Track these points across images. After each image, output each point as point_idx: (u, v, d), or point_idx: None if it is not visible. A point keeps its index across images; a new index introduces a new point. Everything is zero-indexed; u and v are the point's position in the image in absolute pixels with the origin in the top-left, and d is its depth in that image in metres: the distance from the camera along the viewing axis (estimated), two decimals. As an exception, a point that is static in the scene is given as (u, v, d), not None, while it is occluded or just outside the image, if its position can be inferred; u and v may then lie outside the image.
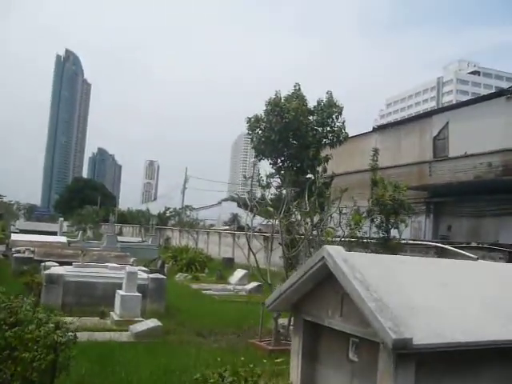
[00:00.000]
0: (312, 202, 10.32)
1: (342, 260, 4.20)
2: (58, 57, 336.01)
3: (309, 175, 24.50)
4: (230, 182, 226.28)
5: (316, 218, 11.12)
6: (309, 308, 4.83)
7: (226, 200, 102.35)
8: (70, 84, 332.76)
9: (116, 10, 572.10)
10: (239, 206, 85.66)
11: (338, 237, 10.62)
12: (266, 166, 25.81)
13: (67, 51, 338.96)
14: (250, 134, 26.50)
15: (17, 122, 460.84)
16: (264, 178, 15.94)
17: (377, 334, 3.82)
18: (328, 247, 4.37)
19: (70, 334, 4.66)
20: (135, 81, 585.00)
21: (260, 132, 25.69)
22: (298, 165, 25.48)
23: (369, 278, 4.12)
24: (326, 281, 4.54)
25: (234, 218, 72.65)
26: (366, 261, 4.62)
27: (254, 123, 25.94)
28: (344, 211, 11.21)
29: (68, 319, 5.38)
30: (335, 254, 4.28)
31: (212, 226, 61.01)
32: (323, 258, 4.36)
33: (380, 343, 3.86)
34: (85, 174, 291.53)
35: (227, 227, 57.48)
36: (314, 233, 10.34)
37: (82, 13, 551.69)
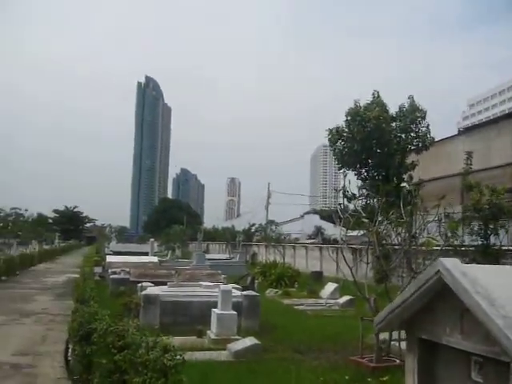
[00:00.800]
0: (408, 212, 9.95)
1: (460, 273, 3.91)
2: (139, 83, 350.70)
3: (394, 183, 23.89)
4: (310, 194, 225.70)
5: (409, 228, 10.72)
6: (423, 325, 4.56)
7: (308, 213, 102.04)
8: (151, 109, 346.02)
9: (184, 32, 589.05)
10: (322, 218, 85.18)
11: (438, 246, 10.14)
12: (349, 177, 25.43)
13: (147, 77, 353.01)
14: (331, 146, 26.25)
15: (104, 150, 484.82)
16: (350, 189, 15.65)
17: (506, 353, 3.50)
18: (443, 260, 4.09)
19: (178, 357, 4.63)
20: (211, 100, 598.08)
21: (342, 143, 25.40)
22: (384, 173, 24.93)
23: (491, 292, 3.81)
24: (441, 296, 4.26)
25: (318, 231, 72.19)
26: (485, 273, 4.29)
27: (335, 135, 25.70)
28: (441, 219, 10.71)
29: (173, 341, 5.38)
30: (452, 267, 3.99)
31: (297, 239, 60.75)
32: (438, 271, 4.08)
33: (511, 363, 3.54)
34: (169, 194, 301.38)
35: (313, 240, 57.09)
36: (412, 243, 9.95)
37: (156, 38, 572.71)
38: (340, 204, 12.75)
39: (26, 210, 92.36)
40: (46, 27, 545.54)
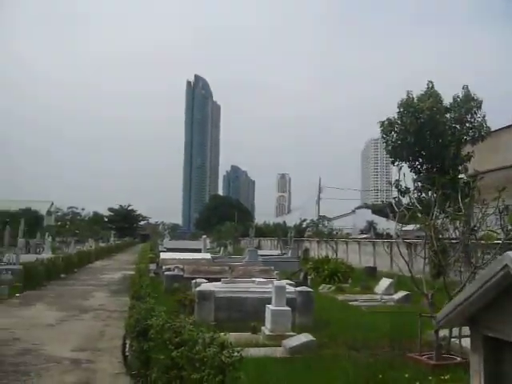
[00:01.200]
0: (467, 204, 9.62)
1: (529, 267, 3.71)
2: (188, 83, 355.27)
3: (450, 175, 23.18)
4: (362, 189, 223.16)
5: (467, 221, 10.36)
6: (489, 322, 4.35)
7: (359, 208, 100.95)
8: (201, 108, 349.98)
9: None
10: (374, 212, 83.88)
11: (499, 239, 9.75)
12: (403, 170, 24.83)
13: (196, 77, 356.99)
14: (384, 138, 25.73)
15: (155, 150, 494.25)
16: (405, 182, 15.28)
17: None
18: (510, 254, 3.88)
19: (236, 354, 4.60)
20: (259, 100, 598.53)
21: (395, 135, 24.86)
22: (439, 165, 24.25)
23: None
24: (508, 291, 4.05)
25: (370, 226, 71.32)
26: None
27: (387, 127, 25.17)
28: (502, 212, 10.26)
29: (229, 337, 5.35)
30: (520, 261, 3.79)
31: (349, 234, 60.16)
32: (506, 265, 3.88)
33: None
34: (220, 191, 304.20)
35: (365, 235, 56.39)
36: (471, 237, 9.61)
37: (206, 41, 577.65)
38: (394, 198, 12.44)
39: (83, 209, 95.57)
40: (105, 27, 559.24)
